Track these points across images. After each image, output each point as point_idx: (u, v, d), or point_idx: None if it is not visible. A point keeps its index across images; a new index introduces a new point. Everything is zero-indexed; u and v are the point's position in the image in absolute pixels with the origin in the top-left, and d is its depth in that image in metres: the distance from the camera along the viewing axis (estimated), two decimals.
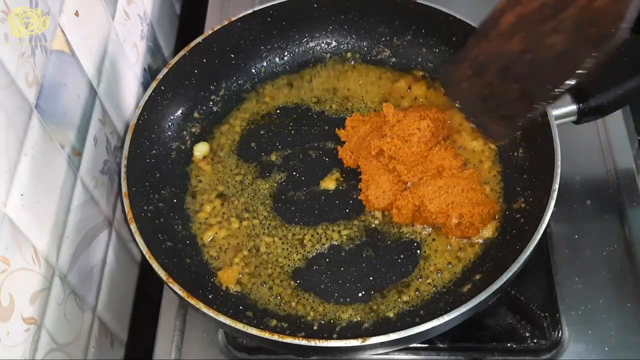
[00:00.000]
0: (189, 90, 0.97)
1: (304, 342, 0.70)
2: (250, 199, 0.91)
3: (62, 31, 0.76)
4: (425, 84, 0.99)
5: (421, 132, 0.85)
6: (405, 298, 0.82)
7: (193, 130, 0.97)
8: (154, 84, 0.91)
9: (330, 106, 1.00)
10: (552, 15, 0.55)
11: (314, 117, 0.99)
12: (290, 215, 0.89)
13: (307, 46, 1.04)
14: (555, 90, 0.61)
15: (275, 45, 1.03)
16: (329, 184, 0.92)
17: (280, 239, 0.87)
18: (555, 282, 0.87)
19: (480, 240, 0.84)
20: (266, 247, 0.87)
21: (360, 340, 0.70)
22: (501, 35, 0.59)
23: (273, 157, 0.95)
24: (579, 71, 0.58)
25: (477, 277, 0.81)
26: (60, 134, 0.74)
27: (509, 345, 0.83)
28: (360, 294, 0.82)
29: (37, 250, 0.68)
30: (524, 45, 0.57)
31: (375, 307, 0.81)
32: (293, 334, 0.71)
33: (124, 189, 0.82)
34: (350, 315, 0.81)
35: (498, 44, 0.59)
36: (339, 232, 0.87)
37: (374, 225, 0.88)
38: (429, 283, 0.83)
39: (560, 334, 0.84)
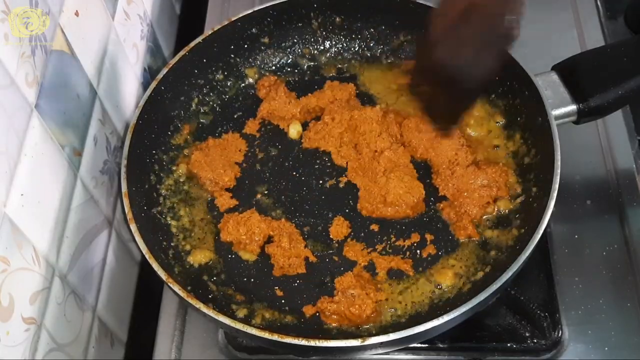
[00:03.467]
0: (189, 90, 0.97)
1: (303, 342, 0.70)
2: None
3: (62, 31, 0.76)
4: None
5: None
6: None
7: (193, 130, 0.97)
8: (153, 84, 0.91)
9: None
10: (464, 27, 0.66)
11: None
12: (295, 208, 0.90)
13: (307, 46, 1.04)
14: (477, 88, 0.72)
15: (276, 46, 1.03)
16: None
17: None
18: (555, 282, 0.87)
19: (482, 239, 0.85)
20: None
21: (360, 340, 0.70)
22: (435, 42, 0.68)
23: None
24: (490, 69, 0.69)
25: (478, 277, 0.81)
26: (60, 134, 0.74)
27: (509, 345, 0.83)
28: None
29: (37, 250, 0.68)
30: (450, 53, 0.67)
31: None
32: (293, 334, 0.71)
33: (124, 189, 0.82)
34: None
35: (434, 49, 0.68)
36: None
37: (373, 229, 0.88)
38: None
39: (560, 334, 0.84)
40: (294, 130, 0.96)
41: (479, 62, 0.67)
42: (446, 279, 0.81)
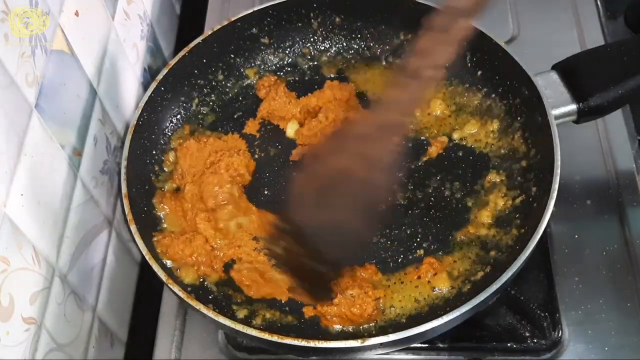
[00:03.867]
0: (189, 90, 0.98)
1: (303, 342, 0.70)
2: None
3: (62, 31, 0.76)
4: None
5: None
6: None
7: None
8: (153, 84, 0.91)
9: None
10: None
11: None
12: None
13: (307, 46, 1.04)
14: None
15: (275, 45, 1.03)
16: None
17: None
18: (555, 282, 0.87)
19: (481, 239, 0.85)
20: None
21: (359, 340, 0.70)
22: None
23: None
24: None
25: (478, 277, 0.81)
26: (60, 134, 0.74)
27: (509, 345, 0.83)
28: None
29: (37, 250, 0.68)
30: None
31: None
32: (293, 335, 0.71)
33: (124, 190, 0.82)
34: None
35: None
36: None
37: None
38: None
39: (560, 334, 0.84)
40: (291, 130, 0.96)
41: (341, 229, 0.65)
42: (445, 279, 0.81)
